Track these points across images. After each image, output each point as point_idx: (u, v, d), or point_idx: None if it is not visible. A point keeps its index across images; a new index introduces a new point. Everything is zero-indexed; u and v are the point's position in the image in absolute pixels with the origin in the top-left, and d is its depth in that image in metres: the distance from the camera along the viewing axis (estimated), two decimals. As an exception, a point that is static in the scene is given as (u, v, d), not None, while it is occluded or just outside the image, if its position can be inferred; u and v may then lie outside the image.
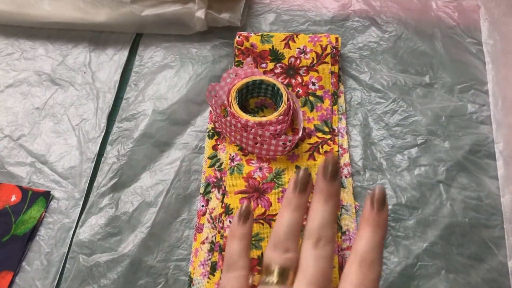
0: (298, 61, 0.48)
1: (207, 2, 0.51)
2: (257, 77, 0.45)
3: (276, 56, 0.49)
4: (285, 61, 0.49)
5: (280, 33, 0.49)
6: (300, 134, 0.43)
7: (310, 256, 0.29)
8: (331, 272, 0.30)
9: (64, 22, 0.51)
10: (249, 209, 0.33)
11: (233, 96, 0.44)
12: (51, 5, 0.51)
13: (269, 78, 0.45)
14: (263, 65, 0.49)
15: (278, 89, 0.44)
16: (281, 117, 0.43)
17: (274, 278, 0.29)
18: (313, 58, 0.48)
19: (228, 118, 0.43)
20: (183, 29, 0.52)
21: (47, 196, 0.43)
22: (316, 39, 0.48)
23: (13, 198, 0.42)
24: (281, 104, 0.44)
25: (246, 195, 0.42)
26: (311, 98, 0.47)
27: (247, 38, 0.49)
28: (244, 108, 0.46)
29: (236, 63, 0.49)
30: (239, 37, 0.49)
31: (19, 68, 0.51)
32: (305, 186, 0.31)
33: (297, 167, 0.43)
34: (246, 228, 0.32)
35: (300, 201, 0.31)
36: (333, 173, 0.31)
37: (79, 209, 0.42)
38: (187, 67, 0.50)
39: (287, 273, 0.29)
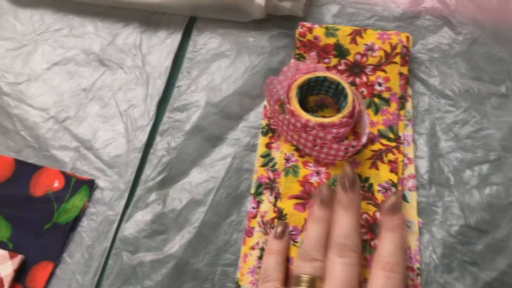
0: (364, 59, 0.45)
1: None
2: (321, 74, 0.42)
3: (340, 52, 0.45)
4: (350, 58, 0.45)
5: (346, 27, 0.46)
6: (364, 141, 0.39)
7: (336, 264, 0.31)
8: (357, 278, 0.31)
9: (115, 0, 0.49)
10: (285, 228, 0.35)
11: (293, 92, 0.41)
12: (104, -19, 0.48)
13: (334, 76, 0.41)
14: (326, 60, 0.45)
15: (343, 89, 0.41)
16: (345, 120, 0.40)
17: (303, 287, 0.31)
18: (381, 57, 0.44)
19: (286, 116, 0.40)
20: (240, 15, 0.48)
21: (91, 184, 0.40)
22: (385, 36, 0.45)
23: (56, 184, 0.40)
24: (345, 105, 0.40)
25: (301, 201, 0.39)
26: (376, 100, 0.44)
27: (310, 30, 0.46)
28: (302, 105, 0.43)
29: (296, 56, 0.46)
30: (301, 28, 0.46)
31: (67, 45, 0.48)
32: (329, 201, 0.34)
33: (358, 176, 0.40)
34: (283, 243, 0.35)
35: (324, 214, 0.34)
36: (351, 183, 0.34)
37: (124, 201, 0.40)
38: (243, 57, 0.47)
39: (315, 281, 0.31)
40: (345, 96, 0.41)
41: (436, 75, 0.45)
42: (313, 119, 0.39)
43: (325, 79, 0.42)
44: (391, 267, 0.31)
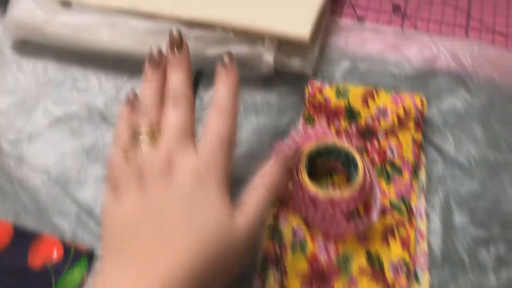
0: (376, 123, 0.43)
1: (276, 44, 0.45)
2: (330, 141, 0.40)
3: (351, 114, 0.44)
4: (362, 121, 0.43)
5: (358, 87, 0.44)
6: (375, 218, 0.38)
7: (171, 113, 0.35)
8: (192, 122, 0.35)
9: (120, 52, 0.47)
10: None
11: (302, 164, 0.39)
12: (109, 34, 0.47)
13: (344, 145, 0.40)
14: (336, 123, 0.44)
15: (354, 159, 0.39)
16: (355, 194, 0.38)
17: (144, 137, 0.34)
18: (394, 122, 0.43)
19: (294, 186, 0.39)
20: (247, 71, 0.47)
21: (90, 256, 0.39)
22: (399, 99, 0.43)
23: (55, 255, 0.39)
24: (356, 176, 0.39)
25: (308, 280, 0.37)
26: (388, 167, 0.42)
27: (320, 90, 0.44)
28: (311, 168, 0.41)
29: (305, 117, 0.44)
30: (311, 88, 0.44)
31: (70, 99, 0.47)
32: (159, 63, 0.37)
33: (368, 253, 0.38)
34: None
35: (157, 75, 0.37)
36: (177, 44, 0.37)
37: (125, 275, 0.39)
38: (250, 117, 0.45)
39: (154, 132, 0.34)
40: (356, 166, 0.39)
41: (451, 141, 0.43)
42: (322, 194, 0.38)
43: (335, 147, 0.40)
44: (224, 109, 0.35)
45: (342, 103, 0.44)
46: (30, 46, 0.50)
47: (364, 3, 0.54)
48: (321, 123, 0.44)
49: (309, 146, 0.40)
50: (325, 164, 0.42)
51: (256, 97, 0.46)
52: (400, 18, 0.52)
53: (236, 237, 0.31)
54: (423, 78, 0.47)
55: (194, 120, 0.36)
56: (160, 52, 0.37)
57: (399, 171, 0.42)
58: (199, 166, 0.33)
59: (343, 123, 0.44)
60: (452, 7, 0.52)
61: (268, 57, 0.45)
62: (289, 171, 0.38)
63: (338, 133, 0.43)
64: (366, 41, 0.50)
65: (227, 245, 0.31)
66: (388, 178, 0.42)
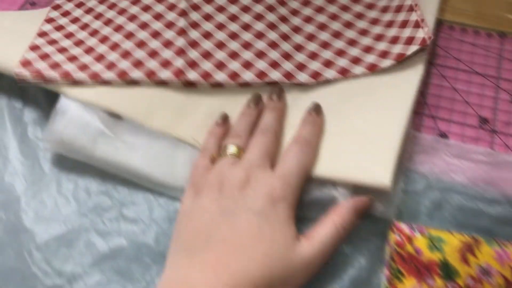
0: (479, 285, 0.36)
1: (351, 189, 0.39)
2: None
3: (448, 272, 0.37)
4: (460, 282, 0.37)
5: (454, 237, 0.38)
6: None
7: (258, 138, 0.40)
8: (276, 150, 0.40)
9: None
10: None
11: None
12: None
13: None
14: (430, 282, 0.37)
15: None
16: None
17: (229, 152, 0.39)
18: (500, 285, 0.36)
19: None
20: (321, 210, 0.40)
21: None
22: (504, 256, 0.36)
23: None
24: None
25: None
26: None
27: (409, 240, 0.38)
28: None
29: (392, 272, 0.38)
30: (399, 236, 0.38)
31: (116, 231, 0.41)
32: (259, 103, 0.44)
33: None
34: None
35: (254, 112, 0.43)
36: (278, 95, 0.44)
37: None
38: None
39: (240, 150, 0.39)
40: None
41: None
42: None
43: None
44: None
45: (436, 257, 0.37)
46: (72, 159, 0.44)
47: (446, 114, 0.48)
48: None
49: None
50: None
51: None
52: (488, 134, 0.46)
53: (297, 264, 0.33)
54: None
55: (278, 152, 0.40)
56: (260, 96, 0.44)
57: None
58: (275, 187, 0.35)
59: (439, 282, 0.37)
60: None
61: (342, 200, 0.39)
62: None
63: (432, 294, 0.37)
64: (453, 167, 0.43)
65: (288, 269, 0.33)
66: None
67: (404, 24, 0.47)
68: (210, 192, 0.36)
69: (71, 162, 0.44)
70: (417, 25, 0.46)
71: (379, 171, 0.38)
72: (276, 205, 0.35)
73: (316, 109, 0.42)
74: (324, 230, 0.36)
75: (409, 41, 0.45)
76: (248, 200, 0.35)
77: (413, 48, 0.45)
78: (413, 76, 0.45)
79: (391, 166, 0.38)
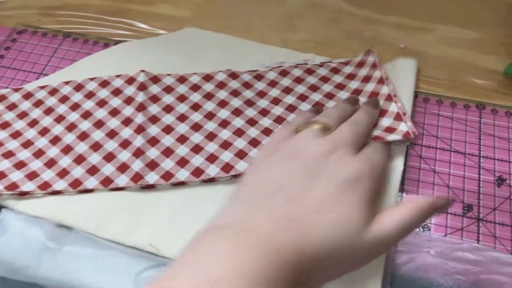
0: None
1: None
2: None
3: None
4: None
5: None
6: None
7: (346, 126, 0.38)
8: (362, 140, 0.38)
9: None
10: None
11: None
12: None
13: None
14: None
15: None
16: None
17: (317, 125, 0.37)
18: None
19: None
20: None
21: None
22: None
23: None
24: None
25: None
26: None
27: None
28: None
29: None
30: None
31: None
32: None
33: None
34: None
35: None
36: (373, 105, 0.44)
37: None
38: None
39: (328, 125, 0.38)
40: None
41: None
42: None
43: None
44: None
45: None
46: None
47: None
48: None
49: None
50: None
51: None
52: (473, 223, 0.43)
53: (362, 247, 0.30)
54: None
55: (364, 143, 0.39)
56: (358, 99, 0.44)
57: None
58: (361, 166, 0.34)
59: None
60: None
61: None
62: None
63: None
64: (437, 267, 0.40)
65: (350, 250, 0.30)
66: None
67: (383, 114, 0.44)
68: (286, 152, 0.35)
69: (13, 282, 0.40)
70: (398, 117, 0.43)
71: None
72: (360, 182, 0.32)
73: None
74: (397, 217, 0.32)
75: (390, 130, 0.43)
76: (333, 168, 0.33)
77: (394, 136, 0.42)
78: (395, 170, 0.42)
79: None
